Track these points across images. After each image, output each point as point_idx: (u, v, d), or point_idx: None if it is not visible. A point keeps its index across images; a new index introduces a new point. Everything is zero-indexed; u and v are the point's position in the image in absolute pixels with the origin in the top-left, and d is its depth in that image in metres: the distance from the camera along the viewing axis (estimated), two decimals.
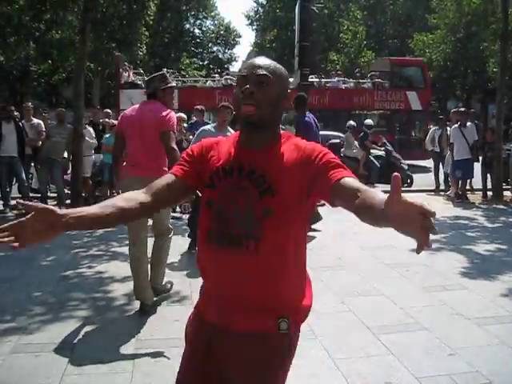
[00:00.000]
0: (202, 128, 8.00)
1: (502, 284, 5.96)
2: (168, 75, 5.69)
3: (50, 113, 15.77)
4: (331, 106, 22.48)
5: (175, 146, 5.14)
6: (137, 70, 25.05)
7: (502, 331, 4.56)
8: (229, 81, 22.63)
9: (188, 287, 5.79)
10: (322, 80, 24.30)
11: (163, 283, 5.61)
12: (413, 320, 4.83)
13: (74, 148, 11.10)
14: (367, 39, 48.24)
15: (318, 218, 9.14)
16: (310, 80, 23.89)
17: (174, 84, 5.78)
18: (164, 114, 5.16)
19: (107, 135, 11.72)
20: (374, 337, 4.43)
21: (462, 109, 13.71)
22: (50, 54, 35.59)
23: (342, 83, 23.80)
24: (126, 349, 4.21)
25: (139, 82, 21.67)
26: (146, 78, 5.81)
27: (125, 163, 5.42)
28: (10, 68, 37.54)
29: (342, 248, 7.72)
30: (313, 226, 8.82)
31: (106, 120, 12.50)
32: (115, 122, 11.88)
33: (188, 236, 7.84)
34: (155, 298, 5.34)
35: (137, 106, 5.50)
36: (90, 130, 11.82)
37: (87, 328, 4.64)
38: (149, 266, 5.36)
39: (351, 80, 24.62)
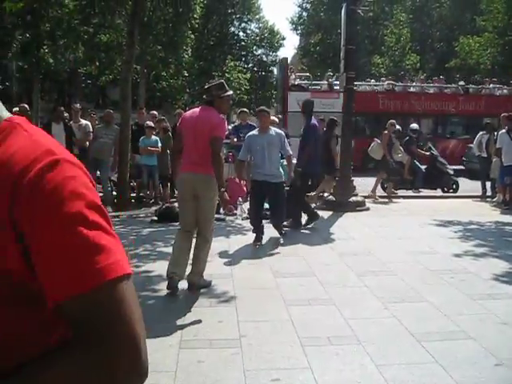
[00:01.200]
0: (247, 134, 8.62)
1: None
2: (225, 84, 6.05)
3: (98, 114, 16.06)
4: (487, 111, 22.54)
5: (220, 153, 5.77)
6: (303, 74, 25.77)
7: None
8: (390, 85, 23.22)
9: (232, 288, 5.83)
10: (479, 86, 24.75)
11: (201, 280, 5.91)
12: (458, 328, 4.76)
13: (120, 149, 11.29)
14: (412, 42, 47.73)
15: (314, 217, 9.65)
16: (465, 86, 24.38)
17: (231, 92, 6.24)
18: (217, 121, 5.76)
19: (143, 137, 11.87)
20: (419, 344, 4.38)
21: (509, 113, 13.37)
22: (97, 57, 36.23)
23: (496, 90, 24.07)
24: (170, 349, 4.26)
25: (304, 85, 22.61)
26: (205, 86, 6.25)
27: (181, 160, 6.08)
28: (58, 70, 38.31)
29: (386, 253, 7.64)
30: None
31: (149, 123, 12.63)
32: (151, 123, 12.15)
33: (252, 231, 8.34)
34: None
35: (197, 109, 6.14)
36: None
37: None
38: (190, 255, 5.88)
39: (505, 87, 24.75)
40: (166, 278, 5.75)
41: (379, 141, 13.70)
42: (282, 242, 8.44)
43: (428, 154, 15.45)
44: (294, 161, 9.23)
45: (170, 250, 7.49)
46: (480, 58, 43.87)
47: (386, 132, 13.61)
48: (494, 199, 13.11)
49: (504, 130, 12.42)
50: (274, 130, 8.44)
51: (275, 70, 30.67)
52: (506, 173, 12.26)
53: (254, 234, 8.22)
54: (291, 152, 8.68)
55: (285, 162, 9.67)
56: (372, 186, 13.34)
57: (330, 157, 12.21)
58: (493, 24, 43.51)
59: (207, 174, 5.72)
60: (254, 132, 8.60)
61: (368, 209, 11.48)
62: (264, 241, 8.34)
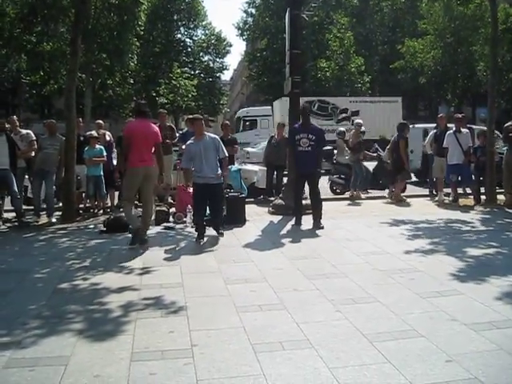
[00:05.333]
0: (186, 144, 9.50)
1: (498, 288, 5.95)
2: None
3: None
4: None
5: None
6: None
7: (500, 336, 4.54)
8: None
9: (183, 297, 5.76)
10: None
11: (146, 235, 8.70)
12: (409, 327, 4.81)
13: (66, 159, 11.05)
14: (357, 45, 48.44)
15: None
16: None
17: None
18: (157, 129, 8.95)
19: (87, 148, 11.63)
20: (371, 345, 4.41)
21: (460, 115, 13.75)
22: (41, 66, 35.56)
23: None
24: (121, 362, 4.16)
25: None
26: (143, 102, 9.88)
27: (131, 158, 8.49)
28: (1, 80, 37.47)
29: (336, 255, 7.70)
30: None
31: (92, 133, 12.40)
32: (95, 133, 12.05)
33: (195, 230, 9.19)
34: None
35: (141, 120, 8.76)
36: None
37: (82, 341, 4.60)
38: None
39: None
40: (133, 234, 8.64)
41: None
42: (220, 239, 9.04)
43: (375, 155, 15.68)
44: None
45: (118, 260, 7.45)
46: (424, 61, 44.85)
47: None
48: (436, 198, 13.41)
49: (451, 131, 12.74)
50: (208, 135, 9.25)
51: None
52: (452, 171, 12.59)
53: (197, 233, 8.96)
54: (226, 154, 9.49)
55: (233, 168, 11.26)
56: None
57: (399, 158, 13.26)
58: (433, 26, 44.60)
59: (154, 167, 8.72)
60: (191, 140, 9.28)
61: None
62: (214, 247, 8.38)
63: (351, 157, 13.91)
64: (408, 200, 13.42)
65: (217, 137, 9.47)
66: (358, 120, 14.38)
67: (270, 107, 34.48)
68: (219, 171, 9.15)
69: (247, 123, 35.10)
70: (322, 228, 9.81)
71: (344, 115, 32.29)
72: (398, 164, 13.34)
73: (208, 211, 9.33)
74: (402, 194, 13.79)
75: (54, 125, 11.38)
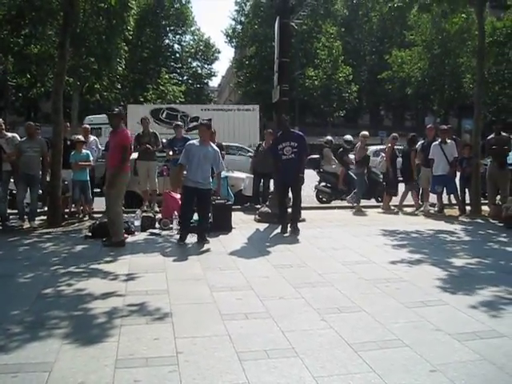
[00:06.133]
0: (188, 142, 9.55)
1: (482, 298, 5.99)
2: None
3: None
4: None
5: None
6: None
7: (483, 347, 4.57)
8: None
9: (168, 304, 5.73)
10: None
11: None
12: (394, 336, 4.82)
13: (53, 164, 10.97)
14: (345, 55, 48.72)
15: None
16: None
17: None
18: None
19: (73, 152, 11.55)
20: (356, 354, 4.41)
21: (445, 126, 13.87)
22: (28, 69, 35.37)
23: None
24: (105, 369, 4.14)
25: None
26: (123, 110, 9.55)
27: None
28: None
29: (322, 264, 7.70)
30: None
31: (79, 137, 12.28)
32: (81, 137, 11.94)
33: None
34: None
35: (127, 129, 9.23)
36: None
37: (66, 347, 4.56)
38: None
39: None
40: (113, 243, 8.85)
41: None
42: (207, 246, 8.99)
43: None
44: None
45: (102, 267, 7.42)
46: (411, 72, 45.21)
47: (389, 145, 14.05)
48: (421, 208, 13.48)
49: (437, 142, 12.84)
50: (212, 145, 9.39)
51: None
52: (437, 182, 12.68)
53: (179, 236, 9.21)
54: (222, 169, 9.65)
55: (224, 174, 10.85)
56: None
57: (409, 168, 13.48)
58: (421, 38, 45.00)
59: None
60: (196, 142, 9.35)
61: (304, 220, 11.52)
62: (200, 254, 8.36)
63: (356, 169, 13.90)
64: (395, 210, 13.50)
65: (218, 150, 9.55)
66: (364, 132, 14.34)
67: None
68: (210, 180, 9.30)
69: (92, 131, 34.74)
70: (299, 233, 10.02)
71: (195, 123, 30.09)
72: (407, 175, 13.51)
73: (195, 217, 9.33)
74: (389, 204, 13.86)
75: (33, 127, 11.19)
